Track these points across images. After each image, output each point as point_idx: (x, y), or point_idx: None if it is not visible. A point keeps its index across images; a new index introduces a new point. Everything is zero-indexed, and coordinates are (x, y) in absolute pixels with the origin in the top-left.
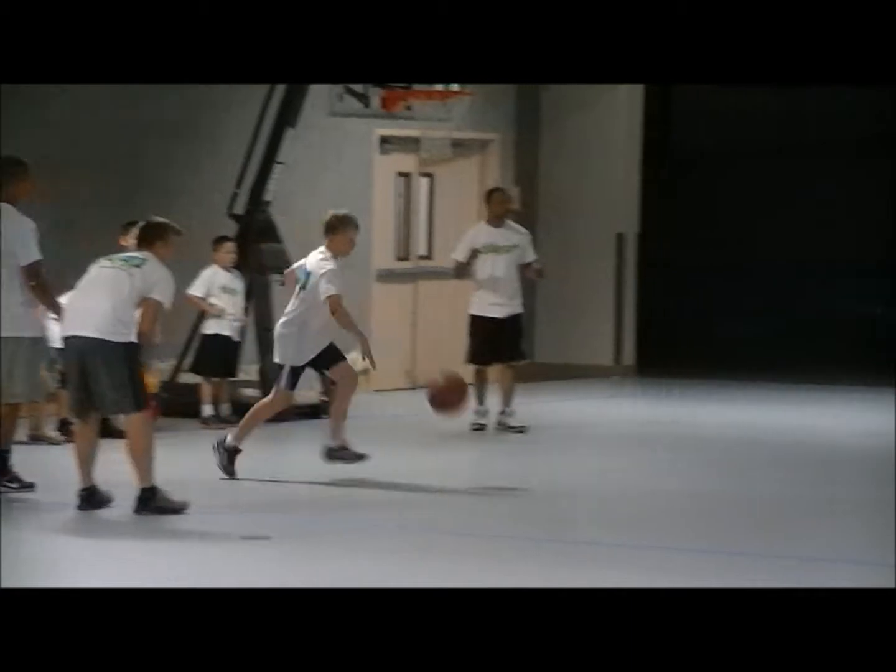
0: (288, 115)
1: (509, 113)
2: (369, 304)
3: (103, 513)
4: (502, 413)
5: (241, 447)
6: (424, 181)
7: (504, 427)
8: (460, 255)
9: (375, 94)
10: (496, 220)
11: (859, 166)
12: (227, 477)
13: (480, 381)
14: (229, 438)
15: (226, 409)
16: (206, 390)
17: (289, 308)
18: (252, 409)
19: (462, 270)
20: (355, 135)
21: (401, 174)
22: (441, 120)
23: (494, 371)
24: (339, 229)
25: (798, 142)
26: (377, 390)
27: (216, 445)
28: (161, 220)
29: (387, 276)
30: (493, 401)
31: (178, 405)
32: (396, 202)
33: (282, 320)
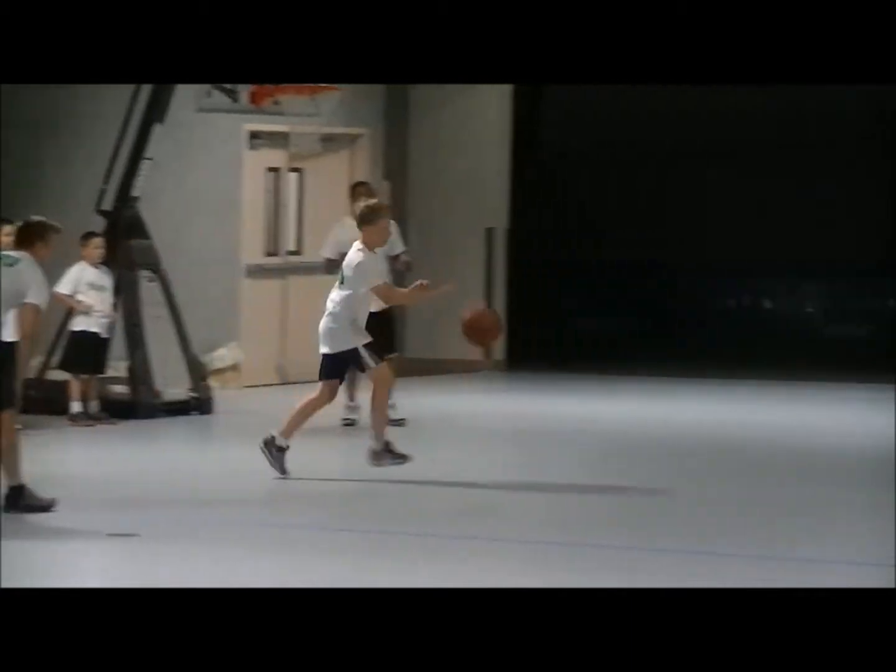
0: (156, 111)
1: (378, 108)
2: (238, 299)
3: None
4: None
5: (386, 438)
6: (294, 176)
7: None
8: (328, 252)
9: (244, 90)
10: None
11: (727, 167)
12: (402, 461)
13: (352, 377)
14: (373, 444)
15: (94, 405)
16: (75, 387)
17: (329, 305)
18: (372, 407)
19: (332, 267)
20: (224, 130)
21: (270, 169)
22: (310, 115)
23: None
24: (372, 220)
25: (667, 141)
26: (247, 386)
27: (372, 461)
28: (40, 219)
29: (256, 272)
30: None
31: (47, 402)
32: (266, 197)
33: (328, 316)
